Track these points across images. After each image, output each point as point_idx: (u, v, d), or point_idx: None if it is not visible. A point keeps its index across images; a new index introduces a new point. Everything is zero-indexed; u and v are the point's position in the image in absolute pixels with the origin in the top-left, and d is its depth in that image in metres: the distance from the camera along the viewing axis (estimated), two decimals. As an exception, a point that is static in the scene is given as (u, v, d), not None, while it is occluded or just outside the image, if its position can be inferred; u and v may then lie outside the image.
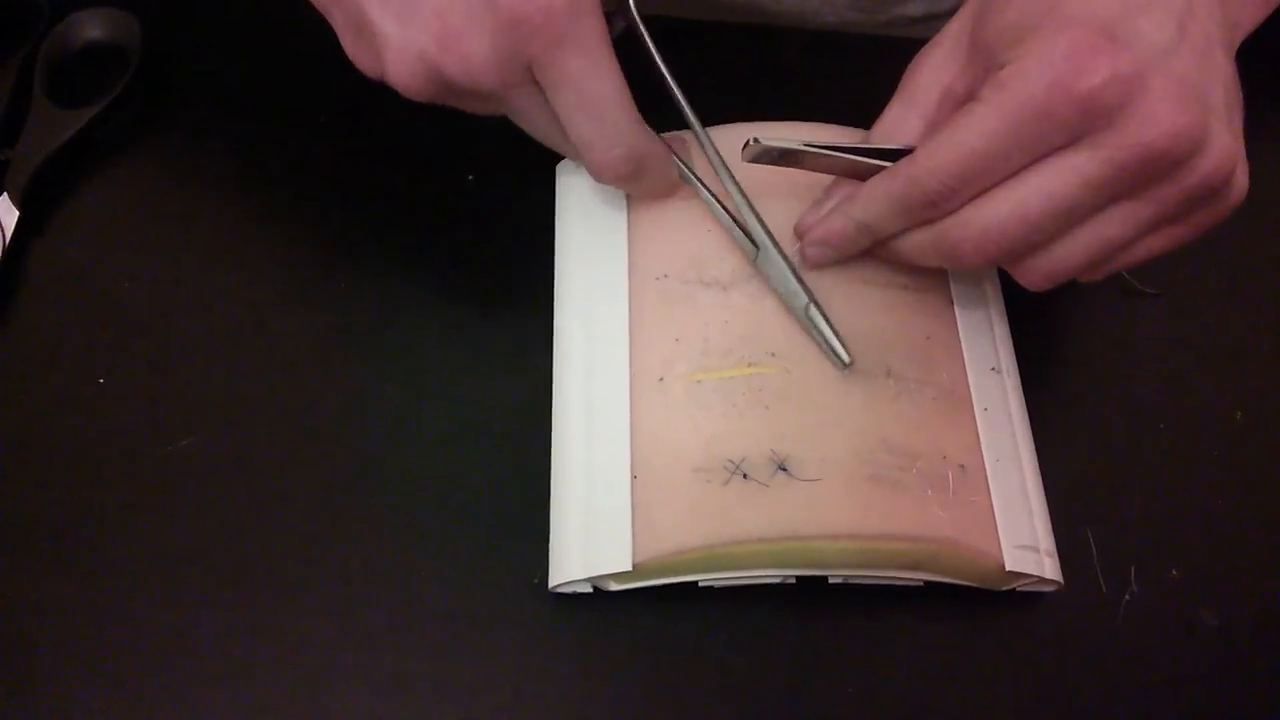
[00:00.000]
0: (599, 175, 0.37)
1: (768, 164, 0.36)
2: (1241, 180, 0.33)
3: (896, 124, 0.37)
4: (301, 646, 0.37)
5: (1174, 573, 0.40)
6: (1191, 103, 0.31)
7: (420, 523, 0.39)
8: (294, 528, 0.39)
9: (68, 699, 0.36)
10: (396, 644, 0.37)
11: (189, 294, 0.43)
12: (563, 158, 0.43)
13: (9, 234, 0.43)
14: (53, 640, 0.37)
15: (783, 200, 0.39)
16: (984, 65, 0.34)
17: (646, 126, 0.36)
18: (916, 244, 0.35)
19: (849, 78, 0.48)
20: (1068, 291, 0.44)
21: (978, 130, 0.32)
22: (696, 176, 0.39)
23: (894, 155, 0.35)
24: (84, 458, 0.40)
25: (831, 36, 0.52)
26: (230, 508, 0.39)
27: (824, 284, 0.38)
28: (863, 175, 0.36)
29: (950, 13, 0.38)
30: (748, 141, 0.35)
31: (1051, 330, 0.43)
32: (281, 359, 0.42)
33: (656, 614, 0.38)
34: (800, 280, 0.37)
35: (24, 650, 0.37)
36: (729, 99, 0.40)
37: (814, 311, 0.37)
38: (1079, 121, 0.31)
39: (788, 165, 0.36)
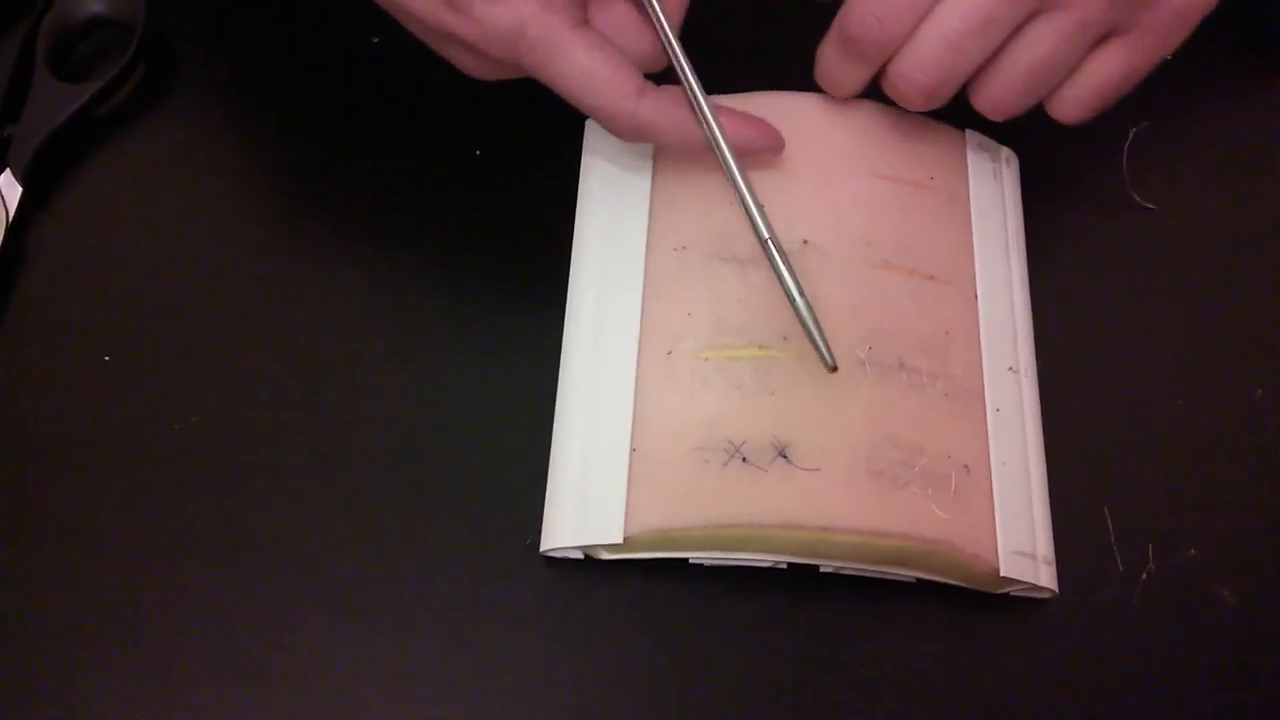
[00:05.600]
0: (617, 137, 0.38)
1: None
2: None
3: None
4: (303, 615, 0.37)
5: (1192, 551, 0.39)
6: None
7: (424, 484, 0.39)
8: (300, 503, 0.39)
9: (70, 679, 0.36)
10: (392, 608, 0.37)
11: (195, 271, 0.42)
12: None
13: (13, 210, 0.42)
14: (56, 619, 0.37)
15: (786, 187, 0.38)
16: None
17: (645, 94, 0.36)
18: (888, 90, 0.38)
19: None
20: (1088, 265, 0.44)
21: None
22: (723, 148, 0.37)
23: None
24: (89, 436, 0.39)
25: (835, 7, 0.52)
26: (236, 485, 0.39)
27: (845, 266, 0.38)
28: None
29: None
30: None
31: (1070, 303, 0.43)
32: (287, 335, 0.41)
33: (648, 584, 0.38)
34: (793, 274, 0.36)
35: (28, 629, 0.36)
36: (733, 69, 0.40)
37: (801, 305, 0.35)
38: None
39: None
